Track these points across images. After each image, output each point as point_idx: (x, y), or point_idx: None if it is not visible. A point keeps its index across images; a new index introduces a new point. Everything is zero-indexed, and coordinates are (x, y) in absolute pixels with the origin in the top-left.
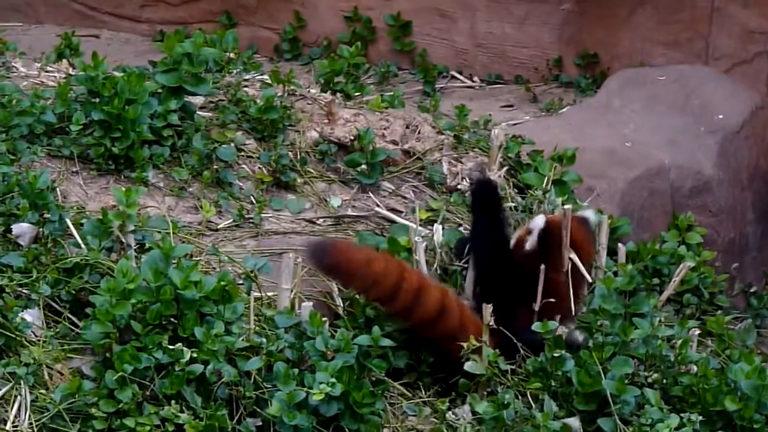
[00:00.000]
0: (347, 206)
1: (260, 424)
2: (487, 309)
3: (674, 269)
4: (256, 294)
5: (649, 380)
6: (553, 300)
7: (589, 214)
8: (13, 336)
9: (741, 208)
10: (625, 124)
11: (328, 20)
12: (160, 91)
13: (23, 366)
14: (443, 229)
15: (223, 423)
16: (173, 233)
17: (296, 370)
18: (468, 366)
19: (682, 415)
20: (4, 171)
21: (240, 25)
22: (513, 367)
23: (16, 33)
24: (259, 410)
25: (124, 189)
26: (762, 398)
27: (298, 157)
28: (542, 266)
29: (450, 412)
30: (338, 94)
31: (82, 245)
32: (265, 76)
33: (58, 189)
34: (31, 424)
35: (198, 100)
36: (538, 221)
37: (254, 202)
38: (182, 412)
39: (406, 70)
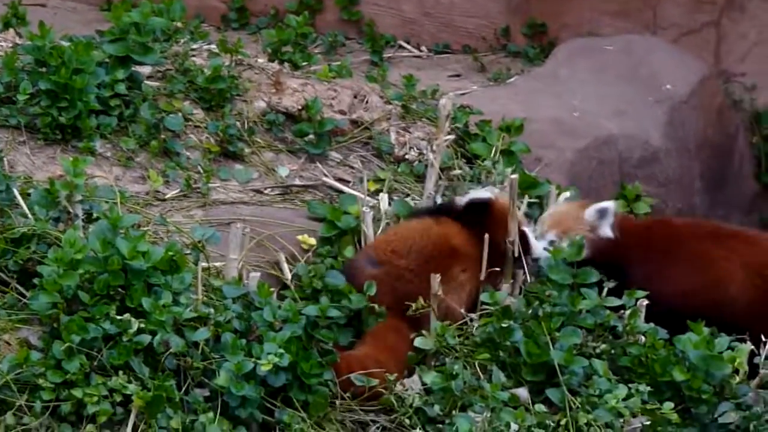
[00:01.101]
0: (295, 176)
1: (208, 394)
2: (435, 279)
3: None
4: (204, 264)
5: (597, 351)
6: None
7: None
8: None
9: (689, 178)
10: (573, 94)
11: None
12: (107, 60)
13: None
14: (390, 198)
15: (171, 393)
16: (121, 203)
17: (244, 341)
18: (417, 342)
19: (630, 385)
20: None
21: None
22: (460, 339)
23: None
24: (207, 381)
25: (71, 159)
26: (710, 368)
27: (246, 126)
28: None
29: (399, 383)
30: (286, 64)
31: (30, 215)
32: (213, 46)
33: (5, 159)
34: None
35: (145, 70)
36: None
37: (202, 171)
38: (130, 382)
39: (353, 40)
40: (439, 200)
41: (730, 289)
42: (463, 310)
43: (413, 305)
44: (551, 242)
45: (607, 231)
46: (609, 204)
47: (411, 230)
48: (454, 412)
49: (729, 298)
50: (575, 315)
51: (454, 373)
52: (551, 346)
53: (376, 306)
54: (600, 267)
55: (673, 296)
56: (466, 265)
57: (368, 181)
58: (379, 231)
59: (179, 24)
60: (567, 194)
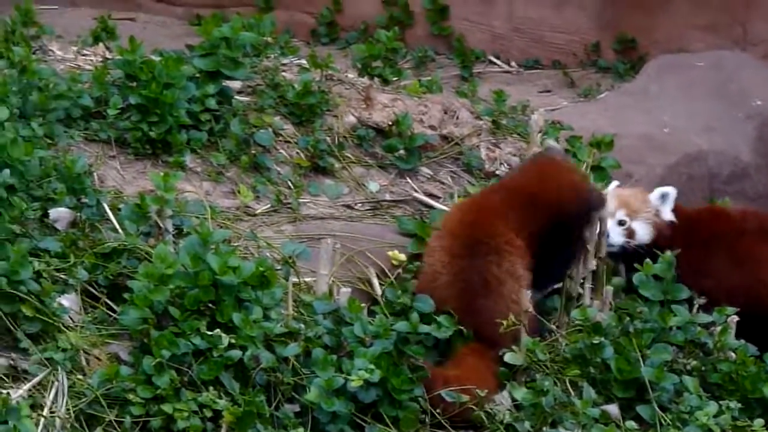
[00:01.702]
0: (385, 191)
1: (298, 410)
2: (525, 295)
3: None
4: (294, 279)
5: (688, 367)
6: None
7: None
8: (51, 321)
9: None
10: (662, 110)
11: (364, 4)
12: (197, 75)
13: (60, 351)
14: None
15: (261, 409)
16: (211, 218)
17: (334, 356)
18: (507, 357)
19: (720, 402)
20: (42, 155)
21: (277, 9)
22: (551, 355)
23: (51, 16)
24: (297, 396)
25: (161, 173)
26: None
27: (336, 141)
28: None
29: (489, 400)
30: (376, 79)
31: (120, 230)
32: (303, 61)
33: (95, 173)
34: (68, 409)
35: (236, 85)
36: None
37: (292, 187)
38: (220, 398)
39: (443, 55)
40: None
41: None
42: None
43: (504, 323)
44: (620, 222)
45: (669, 215)
46: (670, 189)
47: None
48: (544, 428)
49: None
50: (666, 331)
51: (544, 389)
52: (642, 363)
53: (464, 329)
54: (655, 253)
55: (713, 290)
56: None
57: (458, 196)
58: None
59: (269, 39)
60: (616, 183)
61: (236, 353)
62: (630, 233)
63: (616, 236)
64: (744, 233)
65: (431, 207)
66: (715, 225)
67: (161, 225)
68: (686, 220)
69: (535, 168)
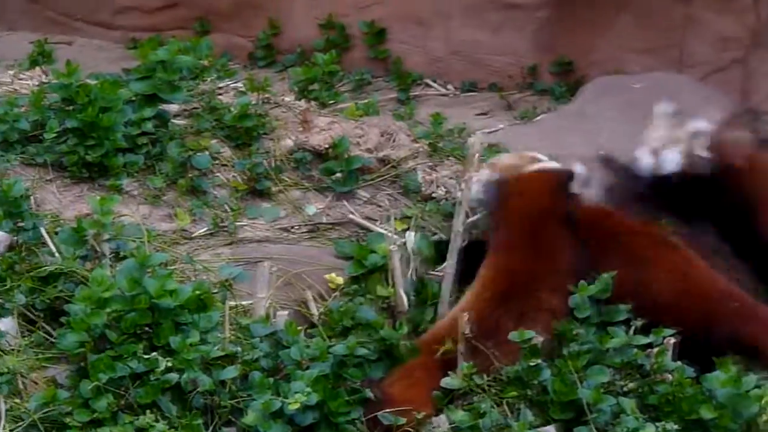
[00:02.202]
0: (322, 214)
1: None
2: (464, 318)
3: None
4: (232, 303)
5: (625, 389)
6: None
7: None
8: None
9: None
10: (600, 131)
11: (302, 27)
12: (134, 99)
13: None
14: (416, 236)
15: None
16: (148, 242)
17: (272, 379)
18: (444, 382)
19: (657, 424)
20: None
21: (214, 32)
22: (489, 378)
23: None
24: (234, 420)
25: (99, 197)
26: (738, 407)
27: (273, 165)
28: None
29: (427, 422)
30: (313, 102)
31: (57, 254)
32: (240, 84)
33: (32, 197)
34: None
35: (173, 108)
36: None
37: (229, 210)
38: (158, 421)
39: (380, 78)
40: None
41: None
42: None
43: (440, 349)
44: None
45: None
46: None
47: None
48: None
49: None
50: (603, 353)
51: (482, 411)
52: (579, 385)
53: (408, 342)
54: None
55: None
56: None
57: (395, 219)
58: (410, 270)
59: (206, 62)
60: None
61: (174, 376)
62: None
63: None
64: (638, 234)
65: (368, 230)
66: (609, 224)
67: (98, 249)
68: (583, 218)
69: None
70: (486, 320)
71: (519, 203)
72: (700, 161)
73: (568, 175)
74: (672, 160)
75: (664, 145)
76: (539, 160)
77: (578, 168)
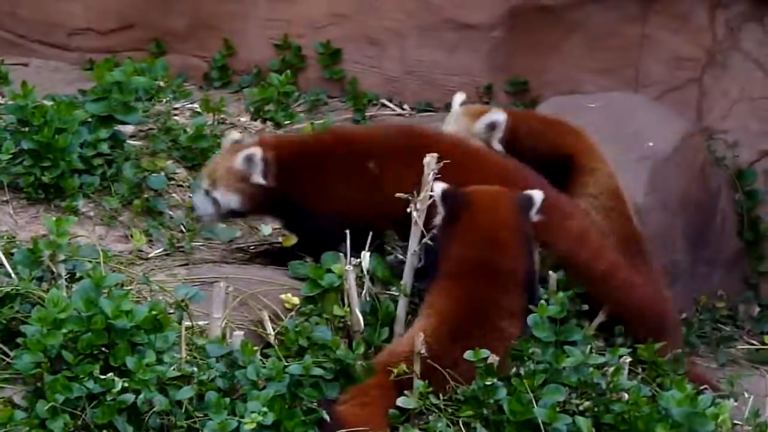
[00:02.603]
0: (278, 234)
1: None
2: (419, 338)
3: None
4: (188, 323)
5: (581, 408)
6: None
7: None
8: None
9: (672, 235)
10: None
11: (258, 48)
12: (90, 120)
13: None
14: (371, 256)
15: None
16: (104, 262)
17: (228, 399)
18: (400, 401)
19: None
20: None
21: (169, 53)
22: (445, 397)
23: None
24: None
25: (54, 218)
26: (693, 425)
27: None
28: None
29: None
30: (268, 123)
31: (13, 275)
32: (196, 105)
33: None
34: None
35: (128, 129)
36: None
37: (185, 230)
38: None
39: (336, 98)
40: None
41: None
42: None
43: (395, 370)
44: (206, 191)
45: (258, 179)
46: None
47: None
48: None
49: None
50: (559, 372)
51: (438, 430)
52: (535, 404)
53: (364, 362)
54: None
55: (338, 212)
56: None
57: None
58: (363, 291)
59: (162, 83)
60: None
61: (130, 397)
62: (215, 202)
63: (205, 206)
64: (369, 155)
65: None
66: (338, 148)
67: (54, 269)
68: (311, 145)
69: None
70: (446, 357)
71: (481, 219)
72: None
73: (530, 198)
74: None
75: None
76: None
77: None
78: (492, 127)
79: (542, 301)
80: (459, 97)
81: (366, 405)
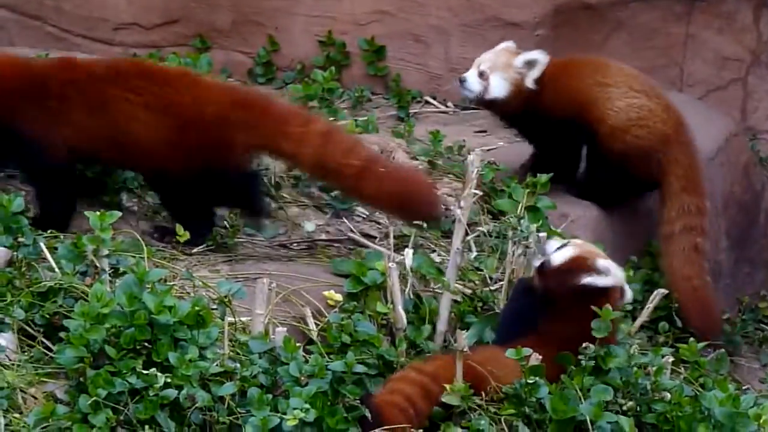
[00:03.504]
0: (321, 231)
1: None
2: (461, 335)
3: (648, 296)
4: (230, 319)
5: (624, 408)
6: None
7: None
8: None
9: (714, 235)
10: None
11: (302, 44)
12: None
13: None
14: (414, 253)
15: None
16: (147, 257)
17: (270, 396)
18: (444, 398)
19: None
20: None
21: (213, 48)
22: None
23: None
24: None
25: (98, 213)
26: (735, 425)
27: (273, 182)
28: None
29: None
30: None
31: (56, 269)
32: None
33: (32, 212)
34: None
35: None
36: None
37: (228, 226)
38: None
39: (379, 95)
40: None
41: (131, 128)
42: None
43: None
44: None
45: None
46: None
47: None
48: None
49: (132, 138)
50: (604, 372)
51: (479, 429)
52: (581, 401)
53: (406, 359)
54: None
55: (73, 139)
56: None
57: (393, 237)
58: (407, 289)
59: None
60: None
61: (172, 392)
62: (486, 85)
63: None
64: (97, 80)
65: (366, 247)
66: (66, 74)
67: (97, 264)
68: (37, 73)
69: None
70: None
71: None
72: (527, 90)
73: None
74: (498, 86)
75: (492, 69)
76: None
77: None
78: (531, 64)
79: (607, 305)
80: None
81: (396, 392)
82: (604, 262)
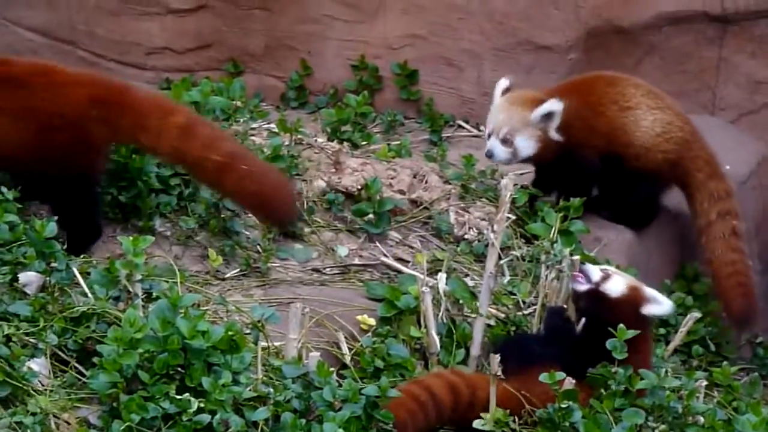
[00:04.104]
0: (354, 255)
1: None
2: (495, 359)
3: (681, 320)
4: (264, 344)
5: (657, 431)
6: None
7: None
8: (20, 385)
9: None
10: None
11: (334, 68)
12: None
13: (30, 415)
14: (448, 278)
15: None
16: (180, 282)
17: (303, 420)
18: (477, 424)
19: None
20: (11, 219)
21: (246, 72)
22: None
23: None
24: None
25: (131, 238)
26: None
27: (306, 206)
28: None
29: None
30: (345, 143)
31: (89, 294)
32: (272, 125)
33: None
34: None
35: None
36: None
37: (261, 251)
38: None
39: (412, 119)
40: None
41: None
42: None
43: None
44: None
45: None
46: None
47: None
48: None
49: None
50: (634, 395)
51: None
52: (613, 425)
53: None
54: None
55: None
56: None
57: (417, 255)
58: (440, 313)
59: (239, 103)
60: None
61: (205, 417)
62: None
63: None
64: None
65: (400, 271)
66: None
67: (130, 289)
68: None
69: None
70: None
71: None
72: (553, 143)
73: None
74: (526, 147)
75: (513, 134)
76: None
77: None
78: (549, 117)
79: (621, 325)
80: (503, 82)
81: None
82: (651, 290)
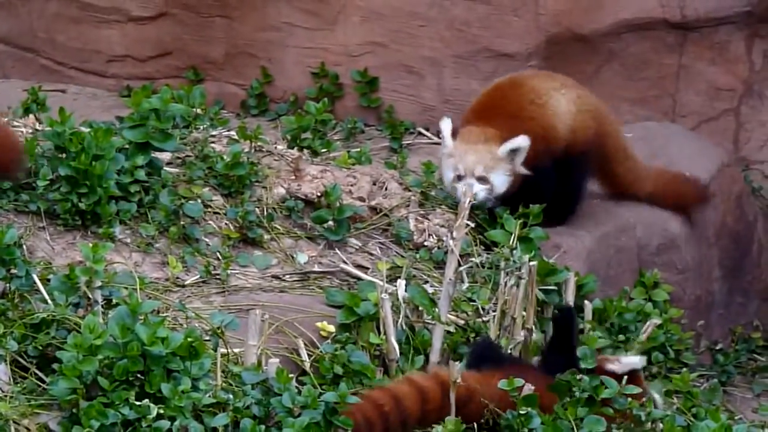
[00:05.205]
0: (314, 262)
1: None
2: (454, 366)
3: (641, 326)
4: (223, 350)
5: None
6: None
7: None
8: None
9: (707, 266)
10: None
11: (294, 76)
12: (127, 146)
13: None
14: (407, 284)
15: None
16: (140, 289)
17: (263, 427)
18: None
19: None
20: None
21: (207, 80)
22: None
23: None
24: None
25: (91, 245)
26: None
27: (265, 213)
28: None
29: None
30: (305, 151)
31: (49, 301)
32: (232, 132)
33: (24, 244)
34: None
35: (165, 156)
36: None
37: (221, 258)
38: None
39: (372, 126)
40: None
41: None
42: None
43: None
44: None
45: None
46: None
47: None
48: None
49: None
50: (596, 403)
51: None
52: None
53: None
54: None
55: None
56: None
57: (378, 263)
58: (399, 320)
59: (199, 110)
60: (448, 122)
61: (165, 424)
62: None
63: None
64: None
65: (359, 278)
66: None
67: (90, 296)
68: None
69: None
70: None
71: None
72: (519, 176)
73: None
74: (501, 183)
75: (488, 171)
76: None
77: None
78: (515, 152)
79: (591, 332)
80: (448, 124)
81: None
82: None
